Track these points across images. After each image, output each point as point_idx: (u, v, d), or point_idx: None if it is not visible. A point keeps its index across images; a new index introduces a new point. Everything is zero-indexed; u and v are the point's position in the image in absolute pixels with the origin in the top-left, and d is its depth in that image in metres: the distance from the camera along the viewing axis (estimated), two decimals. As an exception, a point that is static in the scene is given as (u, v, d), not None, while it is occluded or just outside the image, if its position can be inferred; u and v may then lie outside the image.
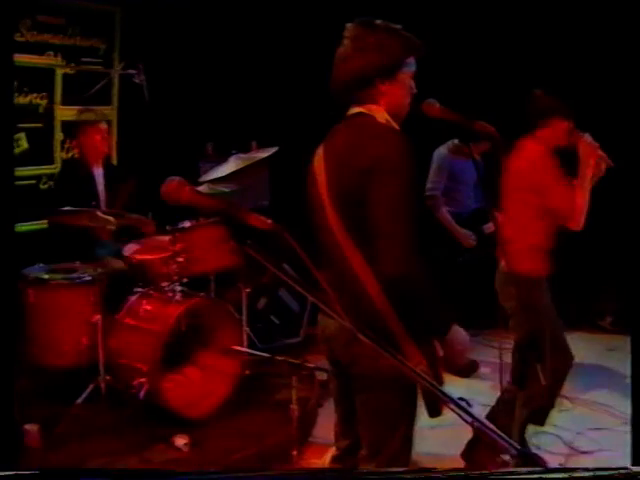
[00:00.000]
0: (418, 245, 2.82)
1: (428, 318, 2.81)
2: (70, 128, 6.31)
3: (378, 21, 2.90)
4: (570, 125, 4.29)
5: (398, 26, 2.92)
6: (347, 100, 2.96)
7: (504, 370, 4.03)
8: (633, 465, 2.81)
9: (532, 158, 4.29)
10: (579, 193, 4.16)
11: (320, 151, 3.03)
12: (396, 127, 2.93)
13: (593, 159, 4.17)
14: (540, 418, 4.51)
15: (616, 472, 2.42)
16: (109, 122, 6.14)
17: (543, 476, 2.34)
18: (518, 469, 2.37)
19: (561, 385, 4.48)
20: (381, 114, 2.91)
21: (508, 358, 4.03)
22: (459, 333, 2.93)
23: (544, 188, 4.20)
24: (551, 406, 4.52)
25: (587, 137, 4.21)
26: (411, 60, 2.93)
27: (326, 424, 4.86)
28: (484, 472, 2.49)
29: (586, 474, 2.38)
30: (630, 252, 3.40)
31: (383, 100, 2.90)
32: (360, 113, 2.93)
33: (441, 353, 2.89)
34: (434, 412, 2.84)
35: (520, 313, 4.32)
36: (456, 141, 6.23)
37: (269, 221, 2.31)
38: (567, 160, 4.29)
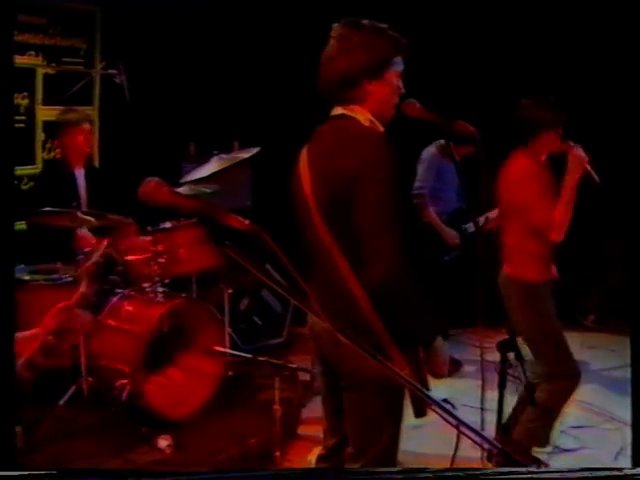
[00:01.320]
0: (406, 248, 2.83)
1: (415, 326, 2.81)
2: (52, 128, 6.27)
3: (364, 21, 2.89)
4: (559, 134, 4.30)
5: (384, 25, 2.90)
6: (334, 100, 2.94)
7: (485, 369, 4.04)
8: (633, 466, 2.82)
9: (518, 174, 4.31)
10: (560, 206, 4.16)
11: (304, 153, 3.01)
12: (380, 129, 2.91)
13: (580, 172, 4.18)
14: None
15: (614, 472, 2.43)
16: (91, 122, 6.07)
17: (541, 476, 2.35)
18: (517, 469, 2.37)
19: (566, 398, 4.50)
20: (365, 116, 2.89)
21: (490, 357, 4.03)
22: (442, 344, 2.94)
23: (526, 206, 4.23)
24: (550, 422, 4.54)
25: (578, 149, 4.20)
26: (398, 59, 2.91)
27: (310, 423, 4.89)
28: (476, 472, 2.50)
29: (585, 474, 2.39)
30: (629, 252, 3.42)
31: (370, 100, 2.88)
32: (343, 115, 2.91)
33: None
34: (420, 413, 2.85)
35: (513, 315, 4.35)
36: (442, 141, 6.23)
37: (247, 222, 2.30)
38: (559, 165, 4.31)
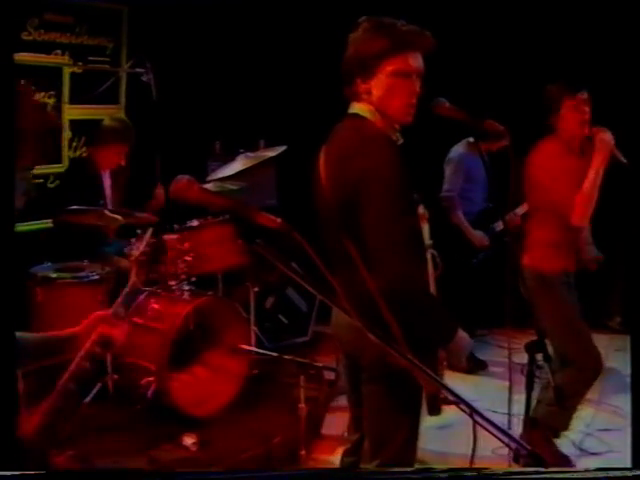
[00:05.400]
0: (418, 253, 2.82)
1: (429, 330, 2.81)
2: (81, 127, 6.33)
3: (372, 18, 2.85)
4: (585, 109, 4.26)
5: (394, 21, 2.83)
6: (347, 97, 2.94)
7: (513, 370, 4.01)
8: (633, 466, 2.80)
9: (543, 156, 4.32)
10: (584, 188, 4.13)
11: (322, 153, 3.00)
12: (388, 130, 2.88)
13: (606, 154, 4.15)
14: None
15: (622, 473, 2.41)
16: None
17: (549, 476, 2.33)
18: (525, 469, 2.36)
19: (587, 387, 4.51)
20: (375, 115, 2.86)
21: (517, 358, 4.01)
22: (462, 339, 2.92)
23: (548, 187, 4.22)
24: (570, 407, 4.53)
25: (604, 132, 4.18)
26: (401, 58, 2.80)
27: (335, 422, 4.87)
28: (490, 472, 2.49)
29: (595, 474, 2.37)
30: (631, 253, 3.40)
31: (369, 99, 2.85)
32: (356, 115, 2.90)
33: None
34: (434, 410, 2.84)
35: (534, 308, 4.34)
36: (471, 140, 6.18)
37: (279, 220, 2.30)
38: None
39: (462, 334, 2.91)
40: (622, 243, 6.96)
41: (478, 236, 6.21)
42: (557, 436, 4.56)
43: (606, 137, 4.16)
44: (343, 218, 2.79)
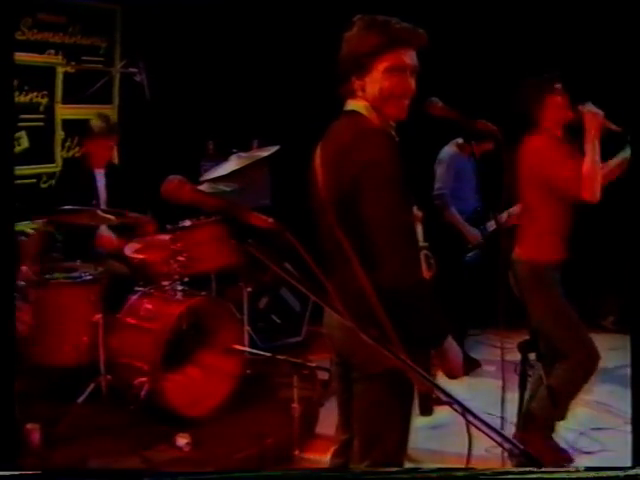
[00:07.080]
0: (417, 248, 2.82)
1: (423, 326, 2.80)
2: (75, 126, 6.31)
3: (365, 16, 2.87)
4: (564, 97, 4.31)
5: (389, 19, 2.84)
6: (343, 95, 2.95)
7: (506, 369, 4.02)
8: (633, 465, 2.80)
9: (535, 149, 4.34)
10: (586, 162, 4.15)
11: (318, 150, 3.00)
12: (385, 126, 2.88)
13: (597, 126, 4.17)
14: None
15: (617, 472, 2.41)
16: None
17: (541, 476, 2.33)
18: (515, 469, 2.36)
19: (585, 379, 4.53)
20: (370, 111, 2.87)
21: (510, 357, 4.02)
22: (453, 345, 2.92)
23: (549, 172, 4.25)
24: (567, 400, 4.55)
25: (589, 106, 4.22)
26: (393, 56, 2.81)
27: (329, 422, 4.88)
28: (480, 471, 2.49)
29: (586, 474, 2.37)
30: (631, 252, 3.40)
31: (364, 96, 2.86)
32: (352, 111, 2.90)
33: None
34: (426, 410, 2.83)
35: (529, 302, 4.34)
36: (460, 140, 6.19)
37: (270, 220, 2.29)
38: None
39: (452, 341, 2.91)
40: (619, 242, 6.99)
41: (472, 232, 6.21)
42: (554, 430, 4.58)
43: (592, 110, 4.19)
44: (340, 215, 2.79)
